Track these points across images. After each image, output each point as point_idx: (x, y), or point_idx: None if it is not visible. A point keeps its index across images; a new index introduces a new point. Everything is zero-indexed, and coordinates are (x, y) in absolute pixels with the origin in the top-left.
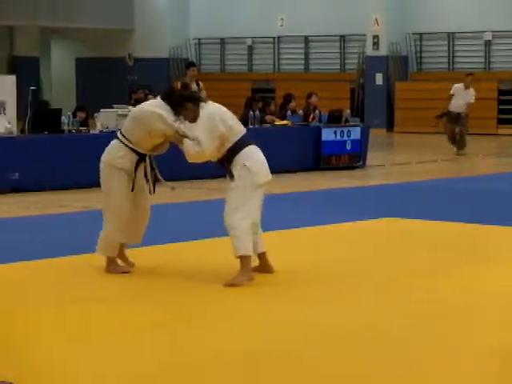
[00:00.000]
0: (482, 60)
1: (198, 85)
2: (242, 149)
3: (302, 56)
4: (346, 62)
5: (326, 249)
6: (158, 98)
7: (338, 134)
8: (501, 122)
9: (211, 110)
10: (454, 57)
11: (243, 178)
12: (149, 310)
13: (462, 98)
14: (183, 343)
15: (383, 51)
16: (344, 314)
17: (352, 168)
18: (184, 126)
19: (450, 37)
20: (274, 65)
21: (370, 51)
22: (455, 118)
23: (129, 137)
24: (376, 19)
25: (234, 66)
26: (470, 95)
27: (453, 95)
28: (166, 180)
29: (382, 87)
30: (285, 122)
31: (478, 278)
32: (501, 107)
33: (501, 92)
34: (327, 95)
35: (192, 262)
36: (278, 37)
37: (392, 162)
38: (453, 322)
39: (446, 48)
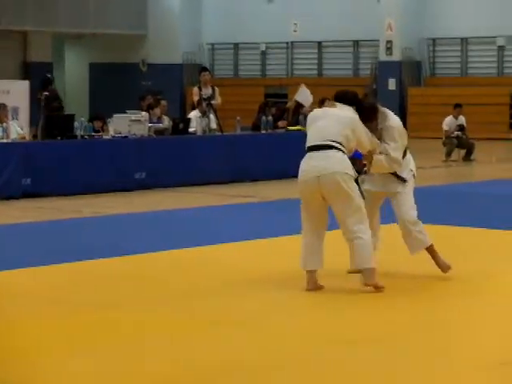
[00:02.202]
0: (495, 65)
1: (213, 90)
2: (405, 155)
3: (316, 61)
4: (360, 67)
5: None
6: (344, 105)
7: None
8: None
9: (397, 119)
10: (467, 62)
11: (410, 181)
12: (158, 315)
13: (454, 127)
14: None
15: (396, 56)
16: (351, 321)
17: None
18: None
19: (464, 42)
20: (288, 70)
21: (383, 56)
22: (455, 138)
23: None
24: (389, 24)
25: (247, 71)
26: (461, 121)
27: (448, 130)
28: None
29: (395, 92)
30: (298, 127)
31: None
32: None
33: None
34: None
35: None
36: (292, 42)
37: None
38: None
39: (459, 53)
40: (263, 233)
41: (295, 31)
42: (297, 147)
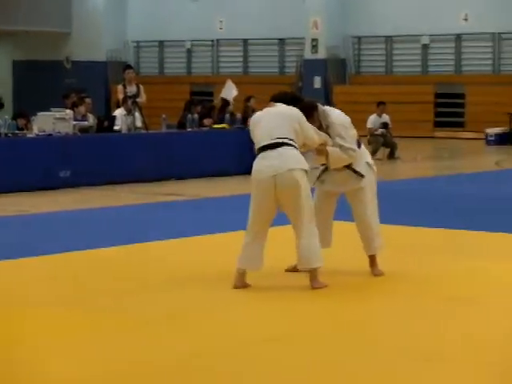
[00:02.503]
0: (419, 63)
1: (138, 88)
2: (359, 147)
3: (241, 59)
4: (285, 65)
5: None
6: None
7: None
8: (437, 124)
9: (338, 113)
10: (391, 60)
11: (368, 175)
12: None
13: (378, 125)
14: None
15: (321, 54)
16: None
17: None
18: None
19: (388, 40)
20: (213, 68)
21: (308, 54)
22: (380, 137)
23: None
24: (314, 22)
25: (172, 68)
26: (385, 119)
27: (371, 128)
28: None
29: (320, 90)
30: (223, 125)
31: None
32: (437, 110)
33: (437, 95)
34: (266, 98)
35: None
36: (217, 40)
37: None
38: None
39: (383, 52)
40: (189, 231)
41: (221, 29)
42: (222, 145)
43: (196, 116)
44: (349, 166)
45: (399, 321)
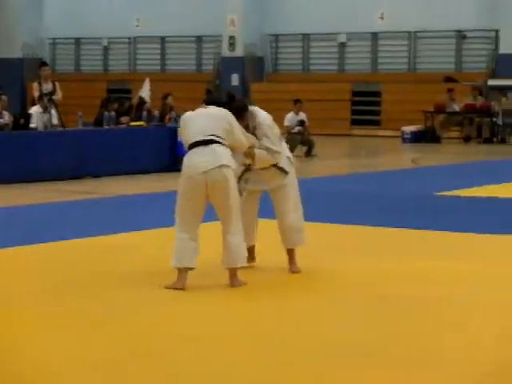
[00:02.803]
0: (336, 62)
1: (54, 85)
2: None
3: (159, 56)
4: (203, 62)
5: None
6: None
7: None
8: (354, 122)
9: (266, 115)
10: (309, 58)
11: (291, 171)
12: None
13: (295, 123)
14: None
15: (239, 52)
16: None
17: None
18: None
19: (305, 38)
20: (130, 65)
21: (226, 52)
22: (297, 134)
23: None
24: (232, 20)
25: (89, 66)
26: (302, 117)
27: (289, 126)
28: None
29: (237, 88)
30: (140, 122)
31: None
32: (354, 108)
33: (354, 93)
34: (183, 96)
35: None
36: (134, 37)
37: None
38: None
39: (300, 50)
40: (106, 229)
41: (138, 26)
42: (140, 143)
43: (113, 113)
44: (274, 165)
45: (315, 318)
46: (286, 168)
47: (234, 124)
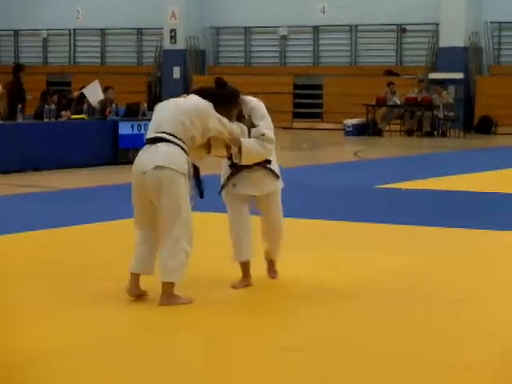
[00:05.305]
0: (278, 55)
1: None
2: None
3: (99, 49)
4: (143, 55)
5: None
6: (193, 95)
7: (136, 127)
8: (296, 115)
9: (261, 103)
10: (250, 51)
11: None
12: None
13: None
14: None
15: (181, 45)
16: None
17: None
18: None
19: (247, 31)
20: (70, 58)
21: (167, 45)
22: None
23: (182, 138)
24: (173, 12)
25: (28, 58)
26: None
27: None
28: None
29: (179, 81)
30: (81, 116)
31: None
32: (296, 101)
33: (296, 86)
34: (124, 89)
35: None
36: (74, 29)
37: None
38: None
39: (242, 42)
40: (48, 223)
41: (78, 18)
42: (81, 136)
43: (53, 107)
44: (265, 166)
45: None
46: (278, 172)
47: (204, 114)
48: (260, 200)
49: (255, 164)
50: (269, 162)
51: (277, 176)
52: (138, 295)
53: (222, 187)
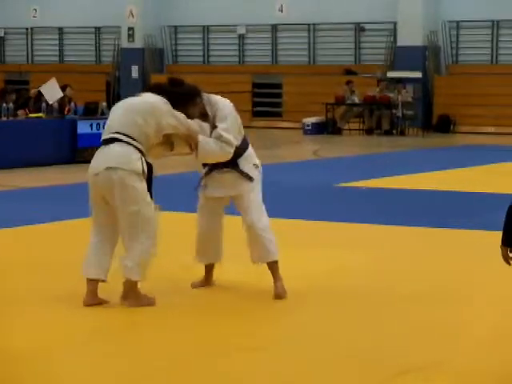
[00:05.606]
0: (236, 53)
1: None
2: (247, 147)
3: (57, 47)
4: (102, 53)
5: None
6: (148, 93)
7: (94, 126)
8: (255, 114)
9: (228, 103)
10: (208, 50)
11: (257, 178)
12: None
13: None
14: None
15: (139, 43)
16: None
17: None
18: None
19: (205, 30)
20: (28, 56)
21: (125, 43)
22: None
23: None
24: (131, 11)
25: None
26: None
27: None
28: None
29: (137, 80)
30: (39, 114)
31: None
32: (255, 100)
33: (255, 85)
34: (83, 87)
35: None
36: (32, 28)
37: None
38: None
39: (200, 41)
40: (6, 223)
41: (35, 17)
42: (39, 135)
43: (11, 105)
44: (234, 167)
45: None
46: (252, 174)
47: (157, 112)
48: (235, 201)
49: (224, 166)
50: (235, 163)
51: (249, 178)
52: (97, 303)
53: (198, 186)
